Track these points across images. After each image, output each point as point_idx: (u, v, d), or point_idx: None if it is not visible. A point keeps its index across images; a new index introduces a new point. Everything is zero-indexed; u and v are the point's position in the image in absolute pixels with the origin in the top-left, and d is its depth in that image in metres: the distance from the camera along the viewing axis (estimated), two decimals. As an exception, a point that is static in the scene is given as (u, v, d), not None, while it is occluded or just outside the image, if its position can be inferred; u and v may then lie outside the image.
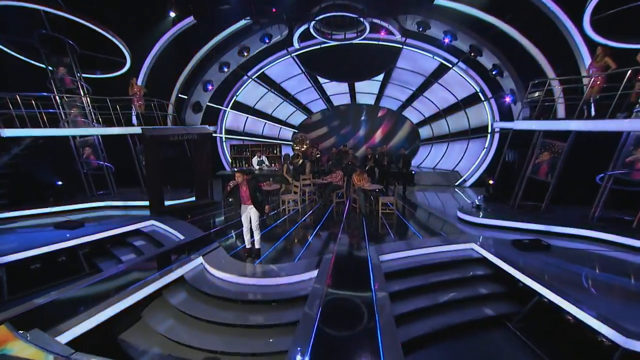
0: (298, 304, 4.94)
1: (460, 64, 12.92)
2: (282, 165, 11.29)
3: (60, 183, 9.77)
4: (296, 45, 14.23)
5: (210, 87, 14.36)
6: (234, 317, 4.85)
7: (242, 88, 15.55)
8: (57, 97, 9.48)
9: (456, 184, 13.73)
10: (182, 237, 7.44)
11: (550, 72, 9.61)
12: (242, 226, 6.57)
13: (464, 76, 13.17)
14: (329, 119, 16.90)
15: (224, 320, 4.80)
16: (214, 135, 15.53)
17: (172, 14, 11.74)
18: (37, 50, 9.76)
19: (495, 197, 9.35)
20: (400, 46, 13.56)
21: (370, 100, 16.32)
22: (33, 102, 8.63)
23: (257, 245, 6.50)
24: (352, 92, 16.24)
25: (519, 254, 6.16)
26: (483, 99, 13.02)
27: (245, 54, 14.04)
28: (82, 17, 9.73)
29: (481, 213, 8.31)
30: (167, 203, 9.97)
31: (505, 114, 11.60)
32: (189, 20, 12.04)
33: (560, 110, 9.31)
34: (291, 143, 12.68)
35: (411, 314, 5.08)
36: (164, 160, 10.63)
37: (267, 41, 13.83)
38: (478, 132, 13.60)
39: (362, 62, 14.42)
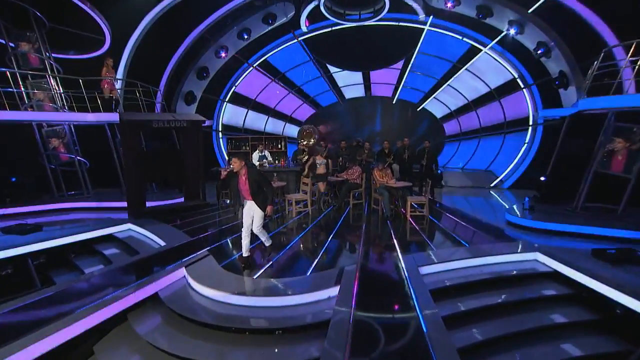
0: (313, 334, 3.73)
1: (495, 45, 11.78)
2: (300, 161, 10.06)
3: (17, 179, 8.67)
4: (304, 27, 13.25)
5: (205, 75, 13.34)
6: (223, 354, 3.63)
7: (241, 77, 14.55)
8: (19, 76, 8.45)
9: (491, 185, 12.46)
10: (163, 244, 6.26)
11: (618, 52, 8.29)
12: (236, 232, 5.35)
13: (500, 60, 12.01)
14: (341, 113, 15.85)
15: (210, 357, 3.58)
16: (209, 131, 14.48)
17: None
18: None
19: (549, 198, 8.09)
20: (424, 27, 12.49)
21: (387, 92, 15.27)
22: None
23: (266, 243, 5.58)
24: (367, 83, 15.22)
25: (607, 267, 4.89)
26: (522, 85, 11.82)
27: (246, 36, 13.06)
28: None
29: (538, 216, 7.05)
30: (150, 204, 8.95)
31: (551, 102, 10.39)
32: (181, -6, 11.07)
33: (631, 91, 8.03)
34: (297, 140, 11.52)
35: (477, 347, 3.83)
36: (149, 153, 9.56)
37: (270, 22, 12.86)
38: (516, 125, 12.38)
39: (378, 47, 13.38)
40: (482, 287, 4.85)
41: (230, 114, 14.92)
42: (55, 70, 9.51)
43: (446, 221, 7.83)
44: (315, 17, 12.94)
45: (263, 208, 5.20)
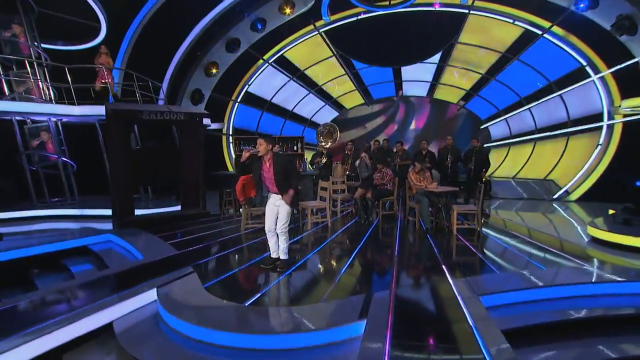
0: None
1: (557, 28, 10.44)
2: (317, 165, 9.05)
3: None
4: (325, 17, 12.41)
5: (214, 72, 12.68)
6: None
7: (255, 75, 13.81)
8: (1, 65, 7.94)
9: (554, 197, 10.90)
10: (141, 258, 5.27)
11: None
12: (234, 245, 4.42)
13: (562, 46, 10.63)
14: (367, 116, 14.81)
15: None
16: (219, 134, 13.73)
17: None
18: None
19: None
20: (466, 11, 11.36)
21: (422, 91, 14.16)
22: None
23: (282, 256, 4.82)
24: (398, 81, 14.16)
25: None
26: (593, 74, 10.36)
27: (260, 27, 12.35)
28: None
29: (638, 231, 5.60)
30: (141, 212, 8.09)
31: (633, 92, 8.86)
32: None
33: None
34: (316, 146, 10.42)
35: None
36: (140, 152, 8.76)
37: (287, 11, 12.11)
38: (583, 123, 10.85)
39: (412, 38, 12.34)
40: (586, 327, 3.53)
41: (243, 116, 14.15)
42: (42, 59, 8.98)
43: (505, 237, 6.48)
44: (338, 4, 12.13)
45: (290, 202, 4.60)
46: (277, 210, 4.68)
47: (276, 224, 4.69)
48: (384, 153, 9.25)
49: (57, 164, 8.79)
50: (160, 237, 6.46)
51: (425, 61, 12.97)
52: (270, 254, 4.88)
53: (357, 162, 8.37)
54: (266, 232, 4.81)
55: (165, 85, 11.67)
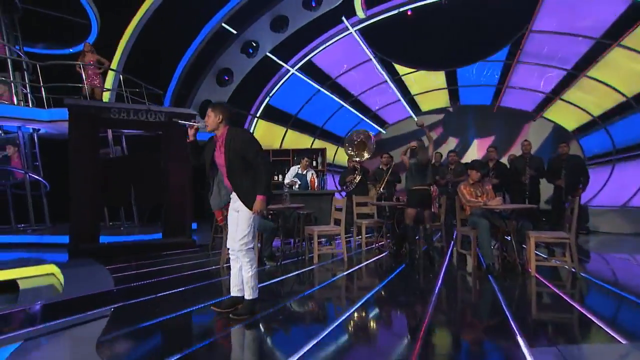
0: None
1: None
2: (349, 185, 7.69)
3: None
4: (360, 12, 11.41)
5: (227, 79, 11.96)
6: None
7: (278, 85, 12.95)
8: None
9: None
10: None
11: None
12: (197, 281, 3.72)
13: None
14: (415, 132, 13.26)
15: None
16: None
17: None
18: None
19: None
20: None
21: (484, 98, 12.62)
22: None
23: (247, 294, 3.33)
24: (453, 87, 12.64)
25: None
26: None
27: (282, 27, 11.57)
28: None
29: None
30: (112, 240, 7.18)
31: None
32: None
33: None
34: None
35: None
36: (112, 162, 7.91)
37: (314, 5, 11.27)
38: None
39: (469, 30, 10.88)
40: None
41: (263, 132, 13.19)
42: (25, 64, 8.65)
43: (612, 283, 4.56)
44: (374, -5, 11.14)
45: (249, 202, 3.21)
46: (237, 216, 3.31)
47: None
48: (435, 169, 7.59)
49: (26, 182, 8.15)
50: (115, 269, 5.33)
51: (488, 59, 11.39)
52: (230, 291, 3.46)
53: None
54: (229, 254, 3.44)
55: (169, 94, 11.08)
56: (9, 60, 8.32)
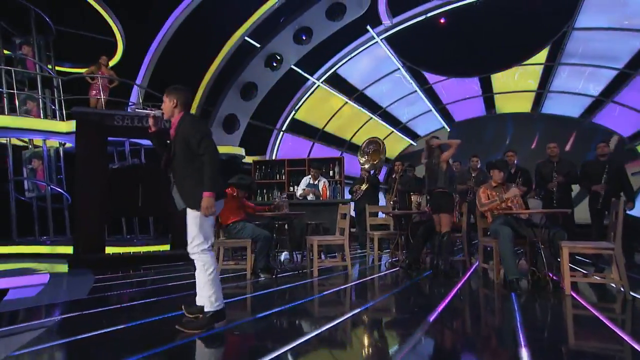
0: None
1: None
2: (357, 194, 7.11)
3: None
4: (385, 20, 10.91)
5: (252, 94, 11.75)
6: None
7: (303, 98, 12.61)
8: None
9: None
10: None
11: None
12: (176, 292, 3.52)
13: None
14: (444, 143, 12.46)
15: None
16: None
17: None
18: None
19: None
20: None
21: (523, 106, 11.60)
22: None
23: (206, 305, 2.78)
24: (488, 94, 11.73)
25: None
26: None
27: (305, 38, 11.25)
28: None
29: None
30: (118, 250, 7.00)
31: None
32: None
33: None
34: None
35: None
36: (122, 174, 7.74)
37: (337, 16, 10.88)
38: None
39: (502, 32, 10.07)
40: None
41: (290, 146, 12.85)
42: (54, 80, 8.84)
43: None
44: (399, 3, 10.59)
45: (190, 202, 2.77)
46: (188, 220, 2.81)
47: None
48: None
49: (47, 195, 8.20)
50: (105, 278, 5.00)
51: (525, 63, 10.46)
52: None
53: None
54: None
55: (196, 111, 11.00)
56: (38, 78, 8.51)
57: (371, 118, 12.87)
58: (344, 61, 12.04)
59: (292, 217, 5.50)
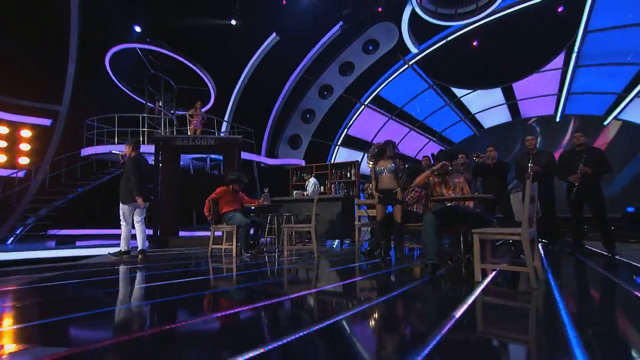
0: None
1: None
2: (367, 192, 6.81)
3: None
4: (412, 48, 10.24)
5: (309, 117, 12.00)
6: None
7: (353, 118, 12.43)
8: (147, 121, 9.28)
9: None
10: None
11: None
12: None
13: None
14: (480, 149, 10.95)
15: None
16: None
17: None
18: (142, 88, 10.27)
19: None
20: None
21: (546, 108, 9.80)
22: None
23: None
24: (512, 102, 10.16)
25: None
26: None
27: (349, 72, 11.16)
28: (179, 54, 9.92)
29: None
30: (187, 234, 7.62)
31: None
32: (272, 37, 10.53)
33: None
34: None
35: None
36: (191, 177, 8.51)
37: (371, 49, 10.60)
38: None
39: (517, 45, 8.67)
40: None
41: (344, 158, 12.74)
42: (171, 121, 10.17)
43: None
44: (422, 32, 9.84)
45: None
46: None
47: None
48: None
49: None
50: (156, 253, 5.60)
51: (543, 69, 8.83)
52: None
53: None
54: None
55: (267, 133, 11.66)
56: (166, 119, 9.81)
57: (410, 130, 12.08)
58: (383, 85, 11.58)
59: (271, 209, 5.49)
